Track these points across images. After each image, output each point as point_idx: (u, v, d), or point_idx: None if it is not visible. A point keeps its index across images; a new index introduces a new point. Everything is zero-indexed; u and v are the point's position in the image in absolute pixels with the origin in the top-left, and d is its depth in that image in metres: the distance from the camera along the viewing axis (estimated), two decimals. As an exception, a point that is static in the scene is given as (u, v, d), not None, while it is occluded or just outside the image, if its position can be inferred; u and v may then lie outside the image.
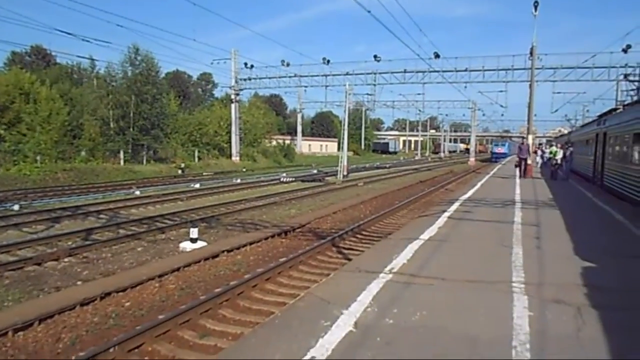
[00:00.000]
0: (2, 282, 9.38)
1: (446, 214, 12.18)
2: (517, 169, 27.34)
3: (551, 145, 34.49)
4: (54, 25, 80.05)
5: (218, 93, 78.74)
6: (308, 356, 4.08)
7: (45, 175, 29.51)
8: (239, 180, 31.84)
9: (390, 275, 6.59)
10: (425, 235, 9.35)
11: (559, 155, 26.24)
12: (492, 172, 32.93)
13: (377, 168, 50.18)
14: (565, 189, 20.52)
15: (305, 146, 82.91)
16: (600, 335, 4.65)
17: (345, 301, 5.48)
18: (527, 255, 7.78)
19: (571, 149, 28.63)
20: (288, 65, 44.15)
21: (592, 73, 36.87)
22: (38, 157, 31.78)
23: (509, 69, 39.14)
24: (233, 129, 51.24)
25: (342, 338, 4.49)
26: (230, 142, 52.34)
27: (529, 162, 26.84)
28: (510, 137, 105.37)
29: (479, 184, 22.29)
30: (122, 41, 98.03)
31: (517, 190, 18.85)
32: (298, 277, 10.08)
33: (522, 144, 27.25)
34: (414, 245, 8.42)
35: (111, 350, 6.25)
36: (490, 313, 5.21)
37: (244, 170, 43.98)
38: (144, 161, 41.40)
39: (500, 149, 73.50)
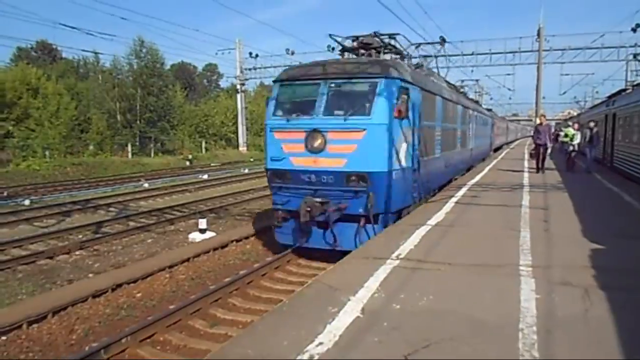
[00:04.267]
0: (16, 276, 9.53)
1: (454, 199, 12.14)
2: (533, 160, 20.00)
3: (566, 126, 23.87)
4: (58, 20, 79.77)
5: (224, 84, 78.47)
6: (316, 342, 4.12)
7: (54, 170, 29.80)
8: (246, 170, 32.00)
9: (398, 261, 6.61)
10: (432, 221, 9.34)
11: (577, 139, 20.14)
12: (488, 166, 23.17)
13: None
14: (578, 175, 18.16)
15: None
16: (608, 315, 4.64)
17: (353, 287, 5.51)
18: (534, 239, 7.75)
19: (596, 128, 19.84)
20: (293, 53, 43.85)
21: (600, 53, 36.33)
22: (47, 152, 32.06)
23: (516, 52, 38.62)
24: (239, 119, 51.32)
25: (349, 324, 4.52)
26: (237, 133, 52.45)
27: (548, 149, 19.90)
28: (519, 120, 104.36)
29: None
30: (127, 34, 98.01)
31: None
32: (306, 265, 10.15)
33: (540, 124, 19.35)
34: (421, 231, 8.43)
35: (123, 340, 6.36)
36: (497, 296, 5.22)
37: (252, 160, 44.09)
38: (152, 153, 41.64)
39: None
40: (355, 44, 11.71)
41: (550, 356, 3.83)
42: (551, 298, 5.12)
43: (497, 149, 39.92)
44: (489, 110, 38.88)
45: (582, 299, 5.09)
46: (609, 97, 25.34)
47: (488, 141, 31.46)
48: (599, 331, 4.30)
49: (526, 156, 25.83)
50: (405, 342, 4.12)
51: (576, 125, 20.98)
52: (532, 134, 24.17)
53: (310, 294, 5.43)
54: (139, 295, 8.39)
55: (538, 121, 20.81)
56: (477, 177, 17.65)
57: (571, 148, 20.17)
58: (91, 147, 37.13)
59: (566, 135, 20.55)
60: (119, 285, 8.46)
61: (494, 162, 25.63)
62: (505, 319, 4.58)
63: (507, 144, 57.23)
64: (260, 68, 49.30)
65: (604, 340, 4.12)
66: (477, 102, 27.96)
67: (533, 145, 19.89)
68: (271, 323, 4.65)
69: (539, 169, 18.70)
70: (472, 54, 39.78)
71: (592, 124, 19.98)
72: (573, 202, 11.49)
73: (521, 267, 6.22)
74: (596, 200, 12.25)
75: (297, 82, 9.97)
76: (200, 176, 28.81)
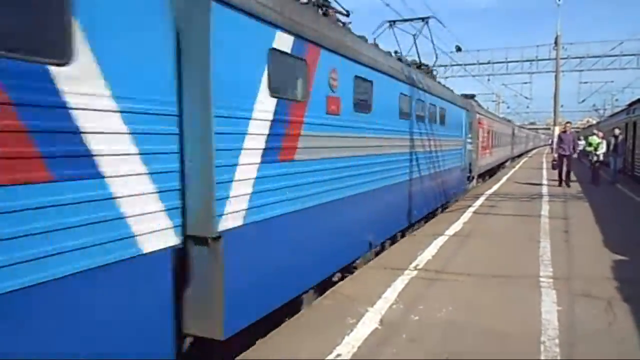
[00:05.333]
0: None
1: (471, 209, 12.03)
2: (555, 171, 18.42)
3: (590, 134, 21.08)
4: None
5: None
6: (334, 354, 4.11)
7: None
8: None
9: (415, 272, 6.56)
10: (450, 231, 9.26)
11: (602, 149, 17.84)
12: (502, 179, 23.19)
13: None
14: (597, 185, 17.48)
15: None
16: (634, 329, 4.54)
17: (371, 298, 5.48)
18: (555, 249, 7.64)
19: (621, 136, 18.83)
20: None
21: (620, 61, 35.94)
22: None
23: (533, 60, 38.44)
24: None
25: (367, 335, 4.49)
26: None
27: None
28: (537, 128, 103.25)
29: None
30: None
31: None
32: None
33: (565, 131, 17.42)
34: (439, 241, 8.36)
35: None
36: (518, 308, 5.14)
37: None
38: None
39: None
40: None
41: (574, 370, 3.76)
42: (573, 310, 5.04)
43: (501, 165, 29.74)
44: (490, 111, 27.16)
45: (605, 311, 4.99)
46: (629, 105, 24.93)
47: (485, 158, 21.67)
48: (623, 345, 4.21)
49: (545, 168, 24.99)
50: (424, 354, 4.08)
51: (601, 134, 18.63)
52: (552, 142, 22.67)
53: (328, 304, 5.41)
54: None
55: (557, 131, 19.51)
56: (495, 187, 17.47)
57: (595, 158, 18.01)
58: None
59: (590, 144, 18.05)
60: None
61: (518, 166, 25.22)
62: (527, 331, 4.51)
63: (517, 156, 43.70)
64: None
65: (630, 355, 4.03)
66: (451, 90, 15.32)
67: (556, 155, 18.30)
68: (289, 334, 4.64)
69: (562, 181, 17.16)
70: (488, 63, 39.65)
71: (617, 131, 18.80)
72: (593, 212, 11.30)
73: (542, 279, 6.12)
74: (617, 210, 12.03)
75: None
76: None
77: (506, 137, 32.78)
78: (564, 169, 17.18)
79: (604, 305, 5.14)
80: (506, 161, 33.44)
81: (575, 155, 18.21)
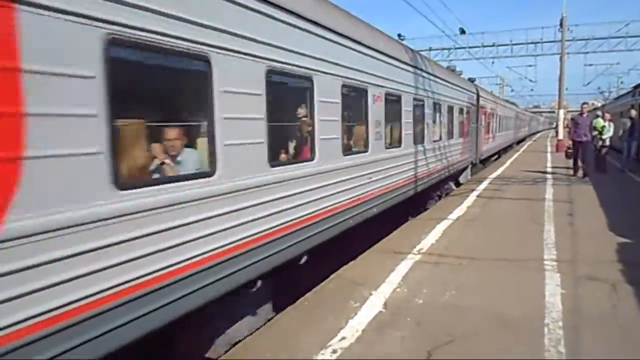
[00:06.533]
0: None
1: (475, 193, 12.01)
2: (569, 160, 16.53)
3: (596, 117, 17.69)
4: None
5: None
6: (338, 337, 4.13)
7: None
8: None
9: (419, 256, 6.57)
10: (453, 215, 9.25)
11: (609, 133, 16.23)
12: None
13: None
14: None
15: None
16: (638, 311, 4.54)
17: (375, 282, 5.50)
18: (559, 232, 7.62)
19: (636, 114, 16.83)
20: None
21: (625, 43, 35.44)
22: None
23: (538, 42, 37.96)
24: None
25: (371, 319, 4.51)
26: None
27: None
28: (541, 112, 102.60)
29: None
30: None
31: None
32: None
33: (581, 114, 14.92)
34: (442, 225, 8.35)
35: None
36: (521, 291, 5.15)
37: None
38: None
39: None
40: None
41: (578, 352, 3.77)
42: (577, 293, 5.03)
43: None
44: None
45: (610, 294, 4.98)
46: (635, 87, 24.68)
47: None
48: (628, 328, 4.21)
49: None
50: (428, 337, 4.09)
51: (607, 116, 16.91)
52: (557, 126, 20.44)
53: (332, 288, 5.43)
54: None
55: (562, 114, 19.01)
56: (499, 170, 17.41)
57: (600, 143, 16.13)
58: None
59: (594, 128, 15.78)
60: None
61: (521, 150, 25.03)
62: (530, 314, 4.52)
63: (520, 141, 40.55)
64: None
65: (635, 338, 4.03)
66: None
67: (570, 142, 16.00)
68: (294, 317, 4.67)
69: (577, 170, 14.99)
70: (492, 45, 39.22)
71: (633, 112, 17.24)
72: (598, 195, 11.25)
73: (546, 262, 6.12)
74: (622, 193, 11.97)
75: None
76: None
77: (509, 121, 32.15)
78: (580, 157, 14.80)
79: (608, 288, 5.13)
80: (510, 146, 32.90)
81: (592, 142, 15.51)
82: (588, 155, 14.79)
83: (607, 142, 16.27)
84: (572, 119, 15.92)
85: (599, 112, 19.49)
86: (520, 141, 41.89)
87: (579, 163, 14.81)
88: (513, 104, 43.16)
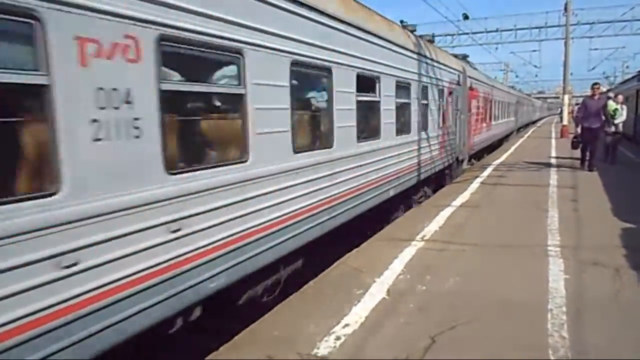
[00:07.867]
0: None
1: (479, 180, 11.98)
2: (575, 150, 14.17)
3: (607, 99, 14.46)
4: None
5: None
6: (342, 323, 4.15)
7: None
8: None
9: (422, 243, 6.58)
10: (457, 202, 9.24)
11: (622, 117, 14.18)
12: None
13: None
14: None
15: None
16: (641, 296, 4.54)
17: (378, 269, 5.51)
18: (563, 218, 7.60)
19: None
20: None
21: (631, 26, 35.06)
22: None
23: (542, 27, 37.58)
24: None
25: (375, 306, 4.53)
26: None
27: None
28: (545, 97, 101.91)
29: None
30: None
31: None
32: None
33: (592, 96, 13.22)
34: (446, 212, 8.35)
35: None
36: (525, 277, 5.15)
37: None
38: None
39: None
40: None
41: (581, 337, 3.78)
42: (580, 278, 5.03)
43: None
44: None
45: (613, 279, 4.98)
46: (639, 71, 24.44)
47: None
48: (631, 313, 4.21)
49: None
50: (431, 323, 4.10)
51: (620, 97, 14.96)
52: (561, 111, 17.70)
53: (336, 276, 5.45)
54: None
55: (567, 100, 17.20)
56: (503, 157, 17.34)
57: (613, 129, 14.00)
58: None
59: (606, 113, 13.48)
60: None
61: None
62: (534, 299, 4.52)
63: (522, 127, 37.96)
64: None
65: (638, 323, 4.03)
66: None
67: (579, 129, 13.37)
68: (297, 305, 4.69)
69: (584, 161, 13.31)
70: (496, 31, 38.85)
71: None
72: (602, 181, 11.20)
73: (549, 248, 6.11)
74: (627, 178, 11.92)
75: None
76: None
77: (508, 107, 29.61)
78: (589, 147, 13.02)
79: (611, 274, 5.13)
80: (510, 134, 30.72)
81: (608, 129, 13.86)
82: (598, 146, 13.27)
83: (620, 128, 14.44)
84: (582, 102, 13.66)
85: (611, 94, 17.17)
86: (521, 128, 41.50)
87: (587, 155, 13.16)
88: (512, 87, 42.71)
